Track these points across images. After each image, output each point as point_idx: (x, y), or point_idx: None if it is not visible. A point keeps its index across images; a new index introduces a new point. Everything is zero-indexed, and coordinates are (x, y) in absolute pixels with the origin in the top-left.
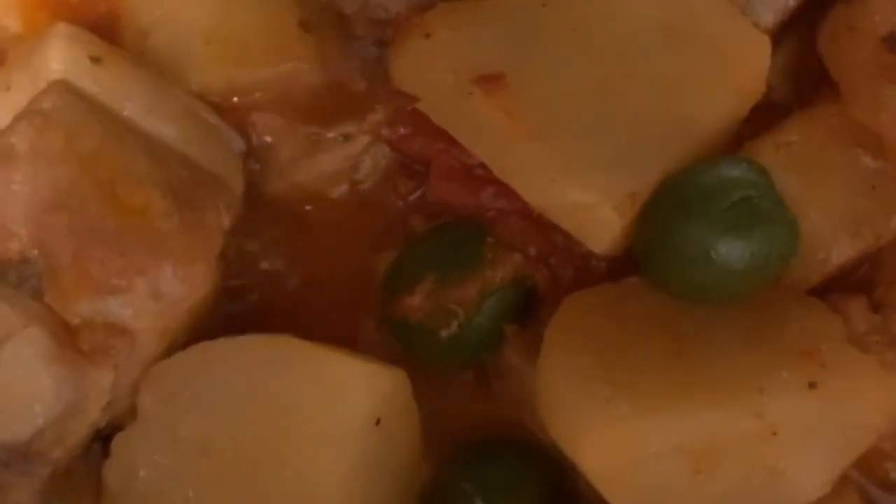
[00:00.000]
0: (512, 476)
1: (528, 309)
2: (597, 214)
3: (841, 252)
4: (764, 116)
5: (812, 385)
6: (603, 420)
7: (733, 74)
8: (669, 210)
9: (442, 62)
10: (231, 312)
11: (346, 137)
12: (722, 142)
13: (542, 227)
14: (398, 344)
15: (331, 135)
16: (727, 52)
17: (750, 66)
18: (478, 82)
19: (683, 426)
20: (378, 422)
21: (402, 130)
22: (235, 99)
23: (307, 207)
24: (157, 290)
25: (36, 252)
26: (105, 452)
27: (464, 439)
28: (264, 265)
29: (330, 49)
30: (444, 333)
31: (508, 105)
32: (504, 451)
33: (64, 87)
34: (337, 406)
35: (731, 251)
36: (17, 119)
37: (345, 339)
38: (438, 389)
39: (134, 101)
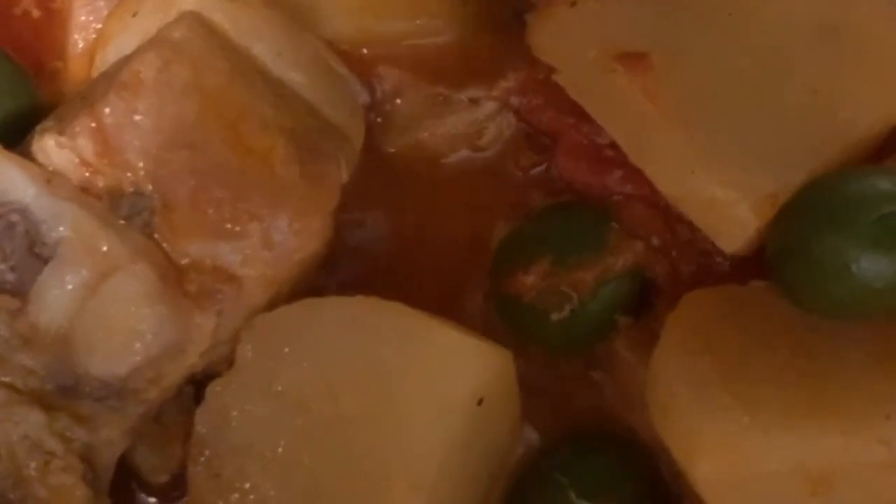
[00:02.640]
0: (608, 473)
1: (642, 301)
2: (732, 212)
3: None
4: None
5: None
6: (721, 430)
7: (891, 79)
8: (811, 216)
9: (585, 34)
10: (337, 271)
11: (473, 101)
12: (874, 149)
13: (668, 217)
14: (505, 321)
15: (457, 97)
16: (887, 56)
17: None
18: (621, 59)
19: (804, 447)
20: (480, 401)
21: (532, 100)
22: (365, 50)
23: (424, 168)
24: (270, 239)
25: (151, 187)
26: (198, 398)
27: (563, 428)
28: (375, 224)
29: (467, 8)
30: (554, 317)
31: (651, 87)
32: (603, 446)
33: (195, 19)
34: (442, 380)
35: (874, 267)
36: (145, 47)
37: (449, 308)
38: (542, 373)
39: (264, 42)
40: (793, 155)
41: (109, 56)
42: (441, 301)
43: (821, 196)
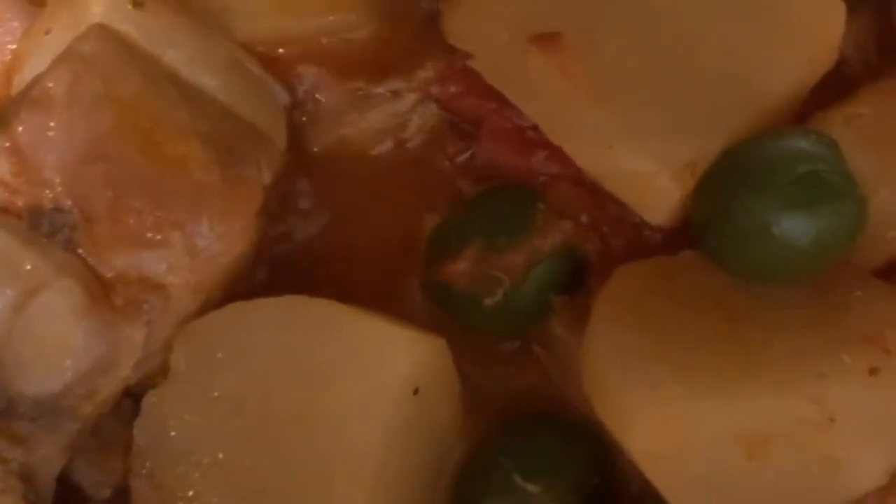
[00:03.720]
0: (552, 453)
1: (577, 279)
2: (654, 183)
3: None
4: (834, 88)
5: (873, 371)
6: (653, 400)
7: (804, 42)
8: (730, 181)
9: (498, 18)
10: (270, 270)
11: (395, 94)
12: (789, 112)
13: (596, 194)
14: (440, 309)
15: (378, 90)
16: (799, 20)
17: (822, 35)
18: (534, 40)
19: (738, 410)
20: (416, 391)
21: (452, 89)
22: (281, 50)
23: (351, 164)
24: (194, 246)
25: (70, 202)
26: (136, 410)
27: (506, 412)
28: (306, 222)
29: (381, 1)
30: (488, 301)
31: (565, 65)
32: (546, 426)
33: (103, 32)
34: (374, 373)
35: (795, 227)
36: (55, 63)
37: (387, 301)
38: (482, 358)
39: (176, 49)
40: (709, 122)
41: (26, 75)
42: (378, 294)
43: (739, 161)
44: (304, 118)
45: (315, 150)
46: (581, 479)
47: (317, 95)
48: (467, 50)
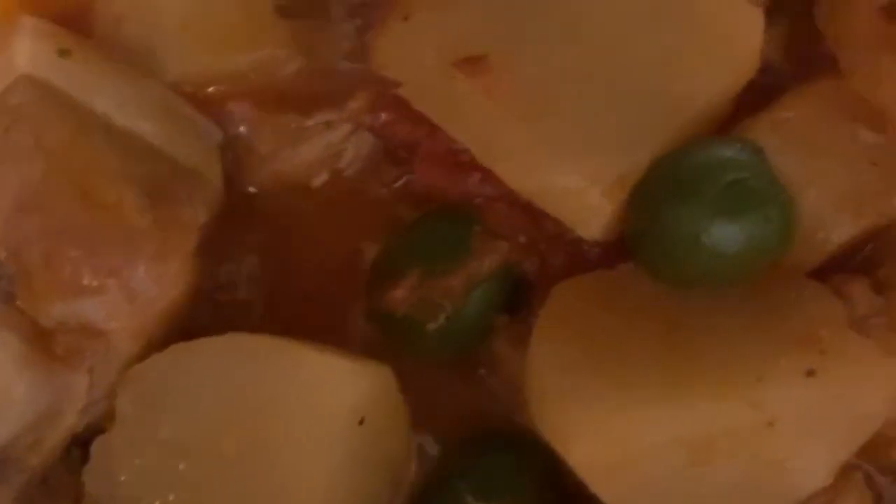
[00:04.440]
0: (505, 472)
1: (519, 298)
2: (585, 199)
3: (842, 232)
4: (761, 94)
5: (811, 373)
6: (592, 414)
7: (725, 51)
8: (659, 193)
9: (422, 45)
10: (213, 308)
11: (328, 125)
12: (716, 121)
13: (532, 213)
14: (385, 337)
15: (311, 123)
16: (719, 29)
17: (742, 43)
18: (460, 65)
19: (678, 418)
20: (362, 421)
21: (384, 117)
22: (211, 89)
23: (290, 198)
24: (131, 290)
25: (5, 254)
26: (85, 457)
27: (457, 434)
28: (247, 258)
29: (308, 34)
30: (431, 326)
31: (492, 87)
32: (497, 445)
33: (30, 83)
34: (318, 406)
35: (724, 235)
36: None
37: (332, 332)
38: (430, 383)
39: (105, 95)
40: (636, 136)
41: None
42: (323, 326)
43: (667, 172)
44: (238, 155)
45: (251, 186)
46: (536, 495)
47: (250, 132)
48: (395, 78)
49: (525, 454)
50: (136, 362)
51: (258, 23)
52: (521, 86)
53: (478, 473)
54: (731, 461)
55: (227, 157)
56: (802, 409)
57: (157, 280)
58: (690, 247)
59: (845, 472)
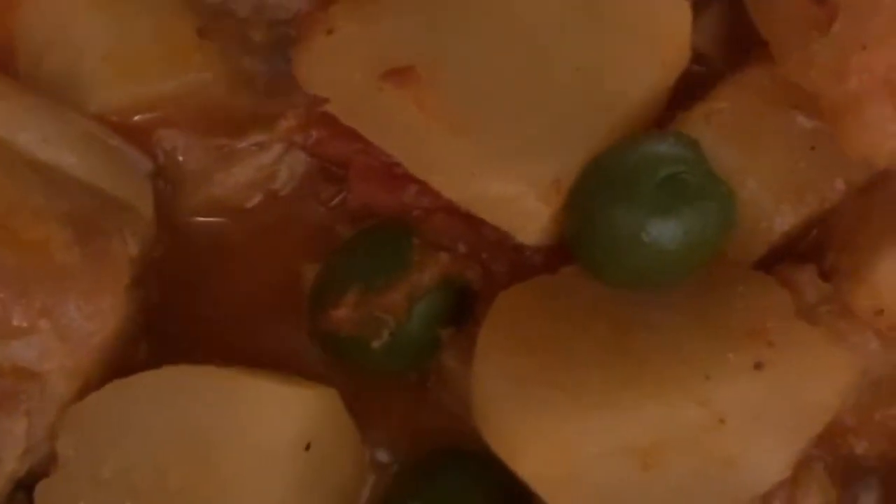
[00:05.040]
0: (461, 489)
1: (464, 309)
2: (522, 205)
3: (785, 220)
4: (697, 86)
5: (758, 366)
6: (539, 424)
7: (654, 47)
8: (596, 193)
9: (348, 59)
10: (151, 341)
11: (259, 146)
12: (651, 117)
13: (471, 222)
14: (331, 357)
15: (242, 145)
16: (646, 25)
17: (671, 36)
18: (387, 77)
19: (627, 423)
20: (308, 446)
21: (315, 134)
22: (138, 117)
23: (226, 222)
24: (63, 329)
25: None
26: (29, 502)
27: (411, 453)
28: (184, 288)
29: (232, 56)
30: (375, 344)
31: (421, 98)
32: (451, 463)
33: None
34: (261, 434)
35: (663, 232)
36: None
37: (277, 356)
38: (381, 403)
39: (27, 131)
40: (569, 137)
41: None
42: (267, 351)
43: (602, 171)
44: (170, 183)
45: (185, 213)
46: None
47: (179, 158)
48: (322, 94)
49: (479, 470)
50: (74, 402)
51: (180, 47)
52: (451, 94)
53: (434, 492)
54: (684, 462)
55: (159, 186)
56: (752, 403)
57: (90, 317)
58: (630, 246)
59: (805, 464)
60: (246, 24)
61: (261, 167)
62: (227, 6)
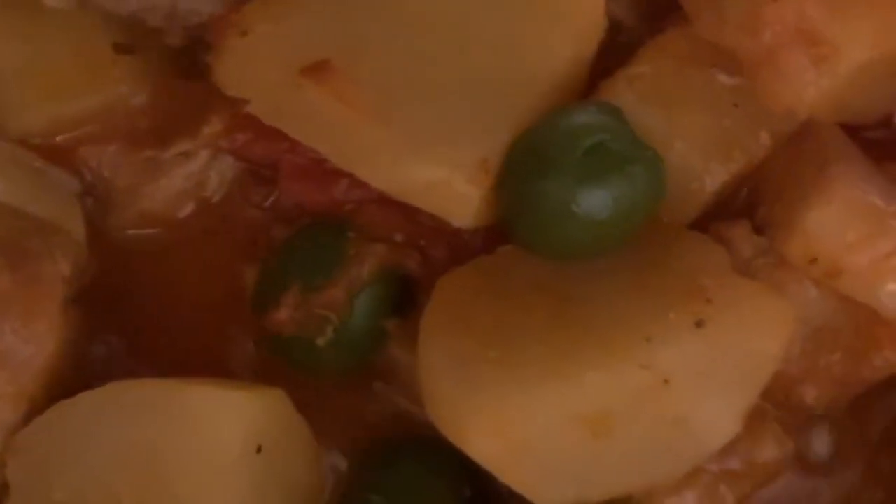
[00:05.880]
0: (419, 478)
1: (408, 299)
2: (451, 189)
3: (715, 178)
4: (617, 55)
5: (699, 324)
6: (483, 403)
7: (568, 19)
8: (524, 169)
9: (264, 59)
10: (93, 360)
11: (185, 155)
12: (573, 89)
13: (406, 210)
14: (277, 358)
15: (168, 155)
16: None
17: (585, 8)
18: (304, 73)
19: (573, 393)
20: (259, 449)
21: (241, 138)
22: (60, 137)
23: (161, 234)
24: (2, 355)
25: None
26: None
27: (367, 446)
28: (128, 300)
29: (150, 66)
30: (320, 341)
31: (340, 91)
32: (407, 453)
33: None
34: (211, 441)
35: (593, 201)
36: None
37: (224, 363)
38: (333, 400)
39: None
40: (493, 117)
41: None
42: (213, 359)
43: (528, 147)
44: (99, 200)
45: (118, 228)
46: (452, 496)
47: (106, 174)
48: (243, 97)
49: (435, 456)
50: (21, 427)
51: (97, 64)
52: (370, 84)
53: (392, 484)
54: (634, 427)
55: (88, 205)
56: (695, 361)
57: (27, 340)
58: (562, 218)
59: (758, 419)
60: (161, 33)
61: (189, 175)
62: (138, 17)
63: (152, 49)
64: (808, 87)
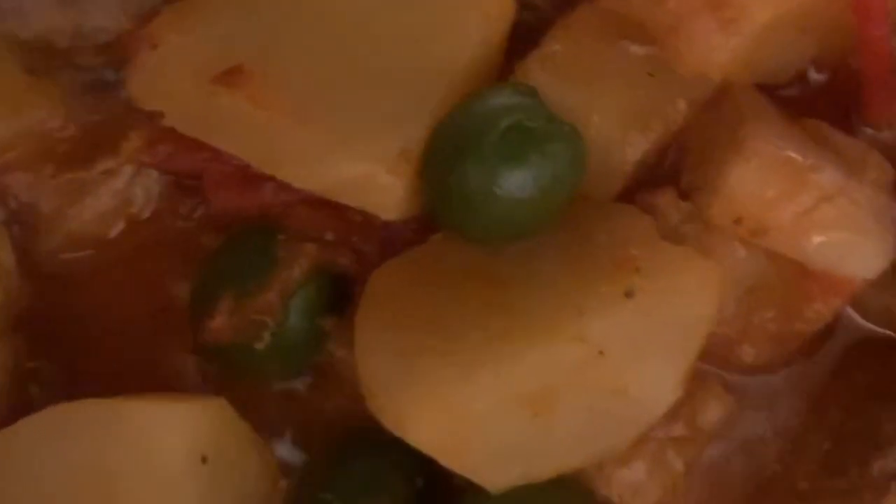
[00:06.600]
0: (370, 473)
1: (345, 296)
2: (374, 182)
3: (635, 149)
4: (531, 36)
5: (630, 293)
6: (422, 392)
7: (477, 2)
8: (444, 156)
9: (176, 70)
10: (33, 386)
11: (108, 173)
12: (488, 73)
13: (334, 208)
14: (217, 368)
15: (91, 175)
16: None
17: None
18: (217, 80)
19: (509, 374)
20: (204, 459)
21: (162, 150)
22: None
23: (93, 255)
24: None
25: None
26: None
27: (317, 448)
28: (65, 324)
29: (64, 89)
30: (259, 346)
31: (254, 95)
32: (361, 449)
33: None
34: (154, 455)
35: (514, 181)
36: None
37: (166, 378)
38: (280, 402)
39: None
40: (409, 107)
41: None
42: (154, 376)
43: (446, 133)
44: (25, 227)
45: (48, 253)
46: (404, 487)
47: (30, 200)
48: (158, 109)
49: (384, 451)
50: None
51: (10, 90)
52: (283, 86)
53: (343, 481)
54: (575, 402)
55: (15, 232)
56: (629, 331)
57: None
58: (485, 201)
59: (700, 381)
60: (71, 52)
61: (115, 193)
62: (46, 40)
63: (65, 71)
64: (718, 51)
